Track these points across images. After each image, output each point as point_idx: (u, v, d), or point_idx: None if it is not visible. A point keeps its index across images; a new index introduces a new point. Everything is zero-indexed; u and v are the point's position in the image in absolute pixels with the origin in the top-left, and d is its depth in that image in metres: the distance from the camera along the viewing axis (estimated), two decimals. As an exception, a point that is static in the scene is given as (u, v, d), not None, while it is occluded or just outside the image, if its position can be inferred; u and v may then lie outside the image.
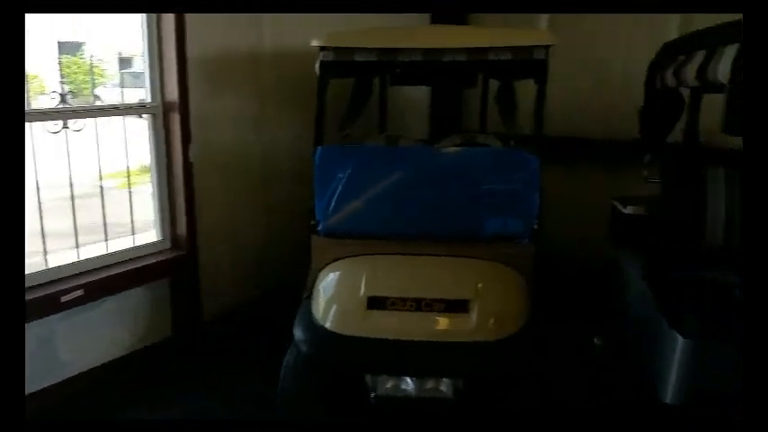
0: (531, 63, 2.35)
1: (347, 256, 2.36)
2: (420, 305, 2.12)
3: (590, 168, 3.89)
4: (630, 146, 3.06)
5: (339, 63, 2.42)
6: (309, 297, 2.31)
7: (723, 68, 1.93)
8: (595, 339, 2.93)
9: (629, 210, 2.83)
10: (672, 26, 3.36)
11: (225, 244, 3.30)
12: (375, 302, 2.14)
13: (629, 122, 3.02)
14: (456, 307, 2.14)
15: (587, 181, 3.88)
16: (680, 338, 2.12)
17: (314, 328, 2.16)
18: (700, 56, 2.22)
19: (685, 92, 2.82)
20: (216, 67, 3.08)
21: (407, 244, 2.35)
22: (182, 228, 3.08)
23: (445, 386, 2.13)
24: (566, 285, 3.04)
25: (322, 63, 2.42)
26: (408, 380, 2.11)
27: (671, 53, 2.67)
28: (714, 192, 2.56)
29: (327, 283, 2.31)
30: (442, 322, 2.14)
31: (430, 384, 2.12)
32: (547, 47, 2.35)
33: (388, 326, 2.10)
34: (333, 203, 2.33)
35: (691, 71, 2.29)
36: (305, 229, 2.47)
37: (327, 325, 2.14)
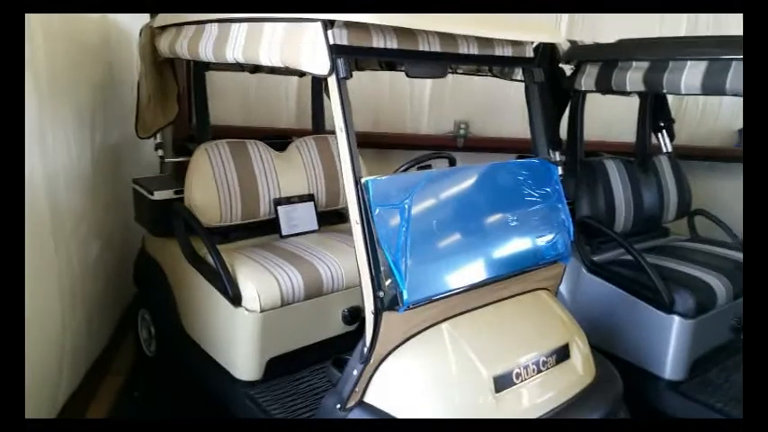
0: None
1: (422, 329, 1.73)
2: (539, 366, 1.81)
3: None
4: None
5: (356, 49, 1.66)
6: (362, 399, 1.73)
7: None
8: None
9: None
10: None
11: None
12: (501, 382, 1.72)
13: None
14: (562, 355, 1.90)
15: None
16: (677, 319, 2.47)
17: None
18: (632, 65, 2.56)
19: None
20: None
21: (474, 293, 1.84)
22: None
23: None
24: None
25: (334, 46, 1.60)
26: None
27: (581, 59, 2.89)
28: (615, 182, 2.93)
29: (417, 371, 1.72)
30: (562, 378, 1.85)
31: None
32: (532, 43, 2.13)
33: (525, 405, 1.73)
34: (408, 262, 1.61)
35: (626, 78, 2.59)
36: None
37: None
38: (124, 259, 3.08)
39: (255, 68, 3.06)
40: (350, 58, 1.62)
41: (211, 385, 2.39)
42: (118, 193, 2.91)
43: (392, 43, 1.72)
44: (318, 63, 1.62)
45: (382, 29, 1.69)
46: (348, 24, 1.61)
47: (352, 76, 1.61)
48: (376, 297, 1.61)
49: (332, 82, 1.61)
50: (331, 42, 1.59)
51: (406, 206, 1.65)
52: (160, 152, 2.69)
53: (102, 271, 2.83)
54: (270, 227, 2.70)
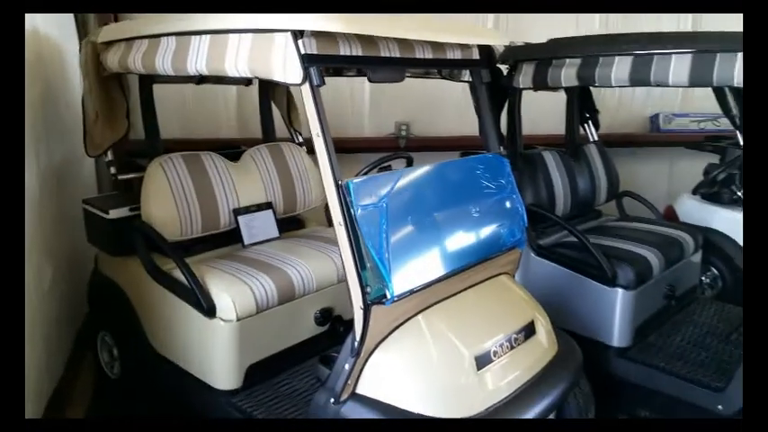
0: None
1: (406, 319, 1.85)
2: (511, 343, 1.97)
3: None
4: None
5: (325, 57, 1.72)
6: (355, 391, 1.81)
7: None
8: None
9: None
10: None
11: None
12: (481, 361, 1.86)
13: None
14: (529, 331, 2.07)
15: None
16: (620, 291, 2.71)
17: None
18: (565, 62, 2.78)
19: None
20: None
21: (447, 282, 1.96)
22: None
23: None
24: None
25: (305, 56, 1.67)
26: None
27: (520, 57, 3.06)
28: (553, 171, 3.19)
29: (406, 359, 1.82)
30: (531, 352, 2.02)
31: None
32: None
33: (504, 380, 1.88)
34: (392, 257, 1.71)
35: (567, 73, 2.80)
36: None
37: (435, 412, 1.73)
38: (74, 282, 2.96)
39: (201, 79, 3.03)
40: (321, 65, 1.69)
41: (190, 399, 2.36)
42: (65, 214, 2.80)
43: (357, 50, 1.81)
44: (291, 73, 1.67)
45: (347, 37, 1.77)
46: (316, 33, 1.68)
47: (324, 82, 1.68)
48: (364, 293, 1.69)
49: (306, 90, 1.67)
50: (302, 52, 1.65)
51: (385, 204, 1.75)
52: (113, 170, 2.62)
53: (57, 298, 2.72)
54: (231, 237, 2.70)
